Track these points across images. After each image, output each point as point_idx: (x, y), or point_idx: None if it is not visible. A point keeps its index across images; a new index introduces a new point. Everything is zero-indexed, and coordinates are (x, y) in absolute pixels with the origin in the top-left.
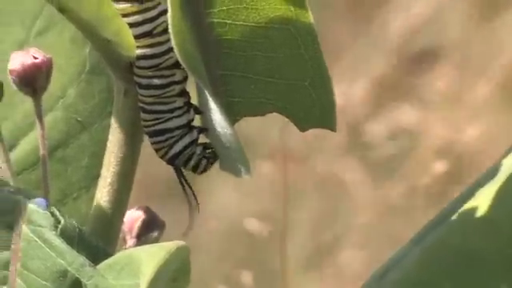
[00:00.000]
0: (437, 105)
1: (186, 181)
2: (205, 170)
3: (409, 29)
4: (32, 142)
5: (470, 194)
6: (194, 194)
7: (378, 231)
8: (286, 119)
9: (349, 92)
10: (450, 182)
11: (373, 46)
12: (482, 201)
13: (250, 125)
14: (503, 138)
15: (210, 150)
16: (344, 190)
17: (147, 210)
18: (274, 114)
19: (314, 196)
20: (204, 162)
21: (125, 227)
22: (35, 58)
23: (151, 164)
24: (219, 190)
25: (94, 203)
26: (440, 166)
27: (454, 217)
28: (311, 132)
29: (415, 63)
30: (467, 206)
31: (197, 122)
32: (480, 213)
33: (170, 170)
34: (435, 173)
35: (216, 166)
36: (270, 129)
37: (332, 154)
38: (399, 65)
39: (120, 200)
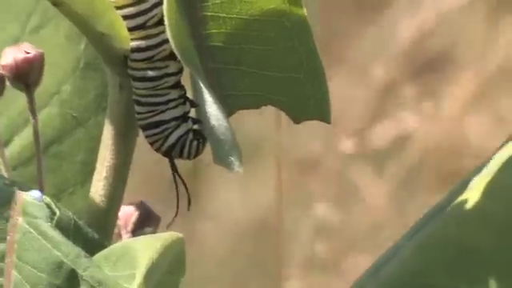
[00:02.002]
0: (445, 109)
1: (179, 175)
2: (197, 154)
3: (415, 32)
4: (27, 137)
5: (463, 186)
6: (186, 189)
7: (384, 234)
8: (286, 120)
9: (354, 94)
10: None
11: (379, 48)
12: (475, 193)
13: (252, 126)
14: None
15: (197, 132)
16: (347, 191)
17: (142, 205)
18: (275, 115)
19: (316, 198)
20: (195, 143)
21: (120, 222)
22: (27, 52)
23: (153, 160)
24: (220, 191)
25: (90, 198)
26: (445, 169)
27: (448, 209)
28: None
29: (422, 66)
30: (461, 198)
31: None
32: (473, 205)
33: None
34: (439, 176)
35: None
36: (271, 130)
37: (336, 156)
38: (405, 68)
39: (115, 194)
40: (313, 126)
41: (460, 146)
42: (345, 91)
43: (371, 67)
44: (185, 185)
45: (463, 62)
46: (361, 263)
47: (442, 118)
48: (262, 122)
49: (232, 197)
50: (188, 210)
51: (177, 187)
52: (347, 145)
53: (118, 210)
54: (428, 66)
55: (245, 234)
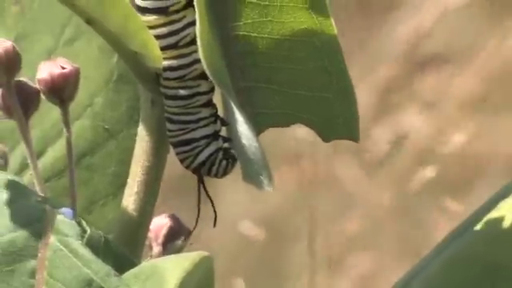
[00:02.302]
0: (444, 109)
1: (206, 191)
2: (226, 173)
3: (417, 34)
4: (59, 149)
5: (493, 203)
6: (212, 204)
7: (386, 233)
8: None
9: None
10: (461, 186)
11: (381, 50)
12: (504, 212)
13: (266, 133)
14: None
15: (228, 153)
16: (350, 192)
17: (173, 218)
18: None
19: (322, 199)
20: (224, 163)
21: (151, 234)
22: (63, 67)
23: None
24: (227, 193)
25: (121, 211)
26: (443, 170)
27: (477, 227)
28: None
29: (423, 68)
30: (490, 216)
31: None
32: (504, 224)
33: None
34: (437, 176)
35: None
36: (284, 136)
37: (337, 157)
38: (406, 69)
39: (146, 208)
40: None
41: (459, 147)
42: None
43: (373, 68)
44: (210, 199)
45: (462, 63)
46: (362, 262)
47: (440, 118)
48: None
49: (239, 199)
50: (214, 226)
51: (199, 203)
52: (347, 145)
53: (149, 223)
54: (428, 67)
55: (252, 236)
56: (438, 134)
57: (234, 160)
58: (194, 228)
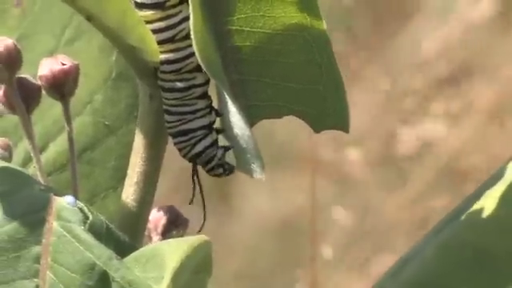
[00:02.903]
0: (468, 118)
1: (198, 180)
2: (218, 176)
3: (440, 43)
4: (61, 144)
5: (480, 193)
6: (202, 194)
7: (407, 235)
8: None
9: (379, 102)
10: None
11: (401, 59)
12: (491, 200)
13: (282, 132)
14: None
15: (228, 163)
16: (371, 194)
17: (171, 209)
18: (303, 123)
19: (342, 200)
20: (220, 170)
21: (150, 225)
22: (63, 64)
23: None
24: (250, 192)
25: (121, 202)
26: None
27: (466, 214)
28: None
29: (445, 79)
30: (478, 204)
31: (216, 124)
32: (489, 212)
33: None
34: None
35: None
36: (299, 136)
37: (362, 162)
38: (429, 78)
39: (145, 199)
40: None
41: (482, 154)
42: (370, 99)
43: (397, 76)
44: (201, 190)
45: (486, 73)
46: (385, 264)
47: (464, 127)
48: (293, 127)
49: (261, 197)
50: (204, 217)
51: (194, 191)
52: (373, 151)
53: (148, 213)
54: (451, 77)
55: (273, 234)
56: (463, 145)
57: (231, 170)
58: (204, 219)
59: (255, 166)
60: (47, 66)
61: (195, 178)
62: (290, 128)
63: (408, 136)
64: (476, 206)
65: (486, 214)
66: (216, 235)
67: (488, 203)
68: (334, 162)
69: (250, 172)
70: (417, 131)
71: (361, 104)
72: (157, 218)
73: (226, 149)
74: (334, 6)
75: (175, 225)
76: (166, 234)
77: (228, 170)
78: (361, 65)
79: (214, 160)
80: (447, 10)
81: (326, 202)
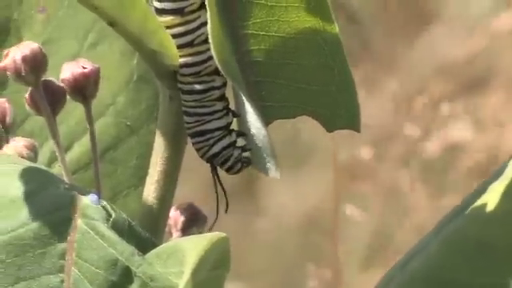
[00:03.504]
0: (491, 122)
1: (219, 180)
2: (237, 172)
3: (465, 50)
4: (85, 144)
5: (484, 188)
6: (224, 193)
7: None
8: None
9: (405, 105)
10: None
11: (425, 64)
12: (493, 195)
13: (306, 132)
14: None
15: (245, 155)
16: (395, 194)
17: (191, 206)
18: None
19: (366, 199)
20: (239, 165)
21: (170, 221)
22: (84, 67)
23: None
24: (275, 189)
25: (142, 200)
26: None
27: (470, 209)
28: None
29: (470, 84)
30: (481, 199)
31: (234, 125)
32: (492, 206)
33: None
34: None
35: None
36: (323, 136)
37: (388, 163)
38: (454, 83)
39: (166, 196)
40: (363, 133)
41: (504, 156)
42: (396, 102)
43: (423, 80)
44: (223, 188)
45: (508, 80)
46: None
47: (487, 130)
48: (316, 128)
49: (286, 194)
50: (226, 212)
51: (217, 191)
52: (397, 152)
53: (168, 210)
54: (476, 82)
55: (297, 229)
56: (490, 149)
57: (248, 162)
58: (216, 218)
59: (270, 165)
60: (69, 70)
61: (215, 177)
62: (313, 128)
63: (430, 139)
64: (479, 201)
65: (489, 208)
66: (241, 232)
67: (491, 198)
68: (357, 161)
69: (265, 171)
70: (440, 135)
71: (380, 107)
72: (177, 215)
73: (244, 150)
74: (353, 10)
75: (195, 221)
76: (186, 230)
77: (245, 162)
78: (381, 70)
79: (230, 160)
80: (468, 16)
81: (349, 201)
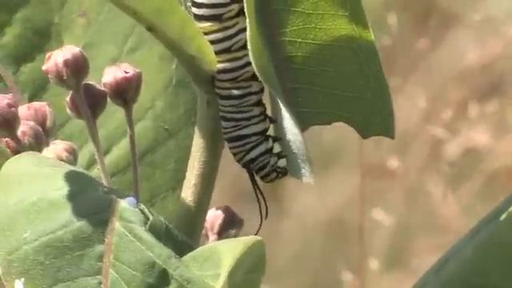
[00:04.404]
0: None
1: (257, 185)
2: (272, 181)
3: (483, 54)
4: (123, 147)
5: None
6: (263, 198)
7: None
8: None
9: (428, 110)
10: None
11: (447, 68)
12: None
13: (331, 135)
14: None
15: (281, 166)
16: (418, 198)
17: (227, 209)
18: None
19: (390, 201)
20: (274, 174)
21: (207, 224)
22: (126, 72)
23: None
24: (300, 193)
25: (180, 203)
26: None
27: (503, 216)
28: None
29: (489, 87)
30: None
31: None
32: None
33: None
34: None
35: None
36: (347, 138)
37: (411, 167)
38: (473, 88)
39: (202, 200)
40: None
41: None
42: (418, 106)
43: (441, 85)
44: (262, 194)
45: None
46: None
47: (508, 136)
48: (341, 130)
49: (311, 198)
50: (265, 217)
51: (257, 195)
52: (421, 157)
53: (205, 213)
54: (494, 87)
55: (322, 232)
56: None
57: (284, 173)
58: (261, 223)
59: (305, 171)
60: (111, 74)
61: (253, 181)
62: (339, 130)
63: (451, 144)
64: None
65: None
66: (266, 234)
67: None
68: (382, 164)
69: (299, 176)
70: (460, 139)
71: (403, 111)
72: (213, 217)
73: (280, 156)
74: (376, 15)
75: (231, 224)
76: (222, 233)
77: (281, 173)
78: (404, 73)
79: (266, 167)
80: (488, 21)
81: (374, 204)
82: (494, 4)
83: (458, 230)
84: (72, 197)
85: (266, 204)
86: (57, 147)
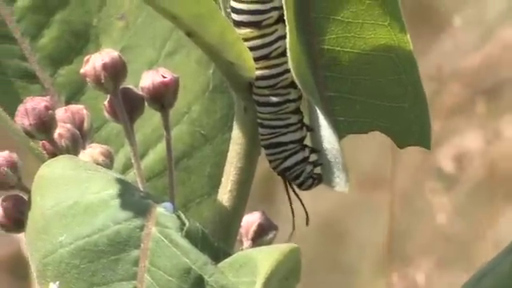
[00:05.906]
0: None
1: (295, 192)
2: (309, 188)
3: (479, 57)
4: (160, 152)
5: None
6: (303, 205)
7: (450, 246)
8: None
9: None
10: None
11: (442, 69)
12: None
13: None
14: None
15: (317, 172)
16: (414, 203)
17: (263, 215)
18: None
19: (382, 205)
20: (310, 181)
21: (242, 230)
22: (164, 76)
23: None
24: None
25: (215, 208)
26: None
27: None
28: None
29: (486, 89)
30: None
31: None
32: None
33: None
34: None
35: None
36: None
37: (404, 171)
38: (470, 90)
39: (238, 206)
40: (380, 139)
41: None
42: None
43: (433, 88)
44: (301, 201)
45: None
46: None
47: (505, 138)
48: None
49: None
50: (307, 225)
51: (291, 204)
52: (413, 161)
53: (240, 219)
54: (486, 92)
55: (314, 236)
56: (501, 154)
57: (320, 181)
58: (294, 227)
59: (339, 180)
60: (149, 78)
61: (287, 189)
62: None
63: (443, 147)
64: None
65: None
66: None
67: None
68: (373, 169)
69: (333, 184)
70: (452, 143)
71: None
72: (248, 223)
73: (315, 164)
74: None
75: (266, 231)
76: (257, 239)
77: (317, 179)
78: None
79: (302, 175)
80: (481, 24)
81: (366, 208)
82: (488, 5)
83: (451, 234)
84: (109, 201)
85: (306, 213)
86: (93, 151)
